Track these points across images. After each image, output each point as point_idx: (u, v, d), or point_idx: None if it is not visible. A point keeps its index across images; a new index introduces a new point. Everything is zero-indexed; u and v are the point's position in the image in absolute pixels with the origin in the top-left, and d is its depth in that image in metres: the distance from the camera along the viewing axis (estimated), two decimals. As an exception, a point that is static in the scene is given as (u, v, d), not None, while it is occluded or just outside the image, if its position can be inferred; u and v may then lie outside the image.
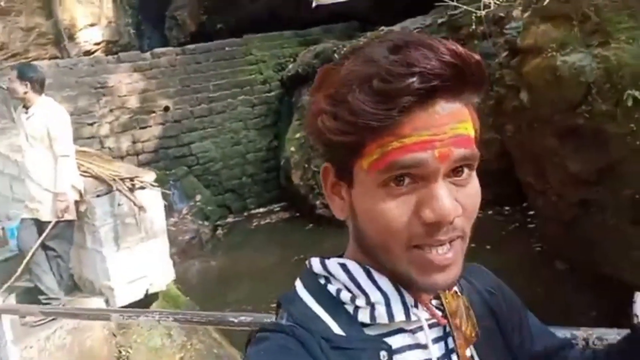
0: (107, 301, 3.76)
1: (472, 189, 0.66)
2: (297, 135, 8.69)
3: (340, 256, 0.75)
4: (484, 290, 0.83)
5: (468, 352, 0.74)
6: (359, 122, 0.62)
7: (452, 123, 0.63)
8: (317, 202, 8.14)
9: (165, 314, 1.90)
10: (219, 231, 8.94)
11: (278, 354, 0.65)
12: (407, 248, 0.65)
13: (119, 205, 3.81)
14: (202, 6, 10.83)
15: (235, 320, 1.65)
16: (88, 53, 10.63)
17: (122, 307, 3.50)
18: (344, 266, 0.71)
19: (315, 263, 0.74)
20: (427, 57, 0.60)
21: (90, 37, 10.72)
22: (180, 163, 9.28)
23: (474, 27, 4.89)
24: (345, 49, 8.23)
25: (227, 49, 9.72)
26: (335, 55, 8.25)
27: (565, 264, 3.12)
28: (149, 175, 4.16)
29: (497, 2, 4.47)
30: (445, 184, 0.63)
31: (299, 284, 0.74)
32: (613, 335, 1.13)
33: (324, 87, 0.67)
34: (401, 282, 0.69)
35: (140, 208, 3.92)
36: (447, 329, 0.73)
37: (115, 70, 9.02)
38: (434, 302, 0.73)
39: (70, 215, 3.69)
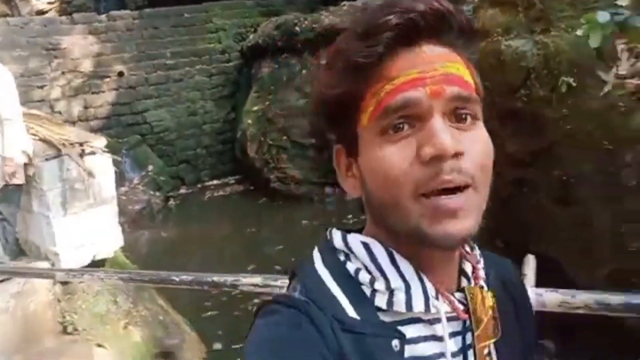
0: (52, 266, 3.72)
1: (479, 135, 0.64)
2: (255, 107, 8.66)
3: (360, 231, 0.72)
4: (508, 281, 0.79)
5: (486, 350, 0.70)
6: (348, 62, 0.63)
7: (442, 62, 0.62)
8: (272, 176, 8.18)
9: (110, 273, 1.93)
10: (171, 202, 8.88)
11: (287, 330, 0.62)
12: (415, 198, 0.62)
13: (67, 170, 3.75)
14: (162, -30, 10.52)
15: (177, 279, 1.69)
16: (40, 12, 10.22)
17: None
18: (366, 245, 0.68)
19: (337, 237, 0.70)
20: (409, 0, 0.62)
21: (44, -5, 10.32)
22: (134, 131, 9.10)
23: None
24: (306, 21, 8.22)
25: (186, 15, 9.52)
26: (297, 28, 8.22)
27: (503, 242, 3.28)
28: (100, 141, 4.10)
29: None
30: (444, 122, 0.61)
31: (317, 257, 0.70)
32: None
33: (324, 60, 0.69)
34: (421, 253, 0.66)
35: (89, 174, 3.88)
36: (467, 323, 0.69)
37: (69, 31, 8.71)
38: (457, 294, 0.70)
39: (19, 180, 3.62)
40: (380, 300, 0.65)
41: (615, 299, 1.24)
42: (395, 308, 0.65)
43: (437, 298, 0.66)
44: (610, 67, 2.58)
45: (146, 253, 7.47)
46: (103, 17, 9.11)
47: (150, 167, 8.83)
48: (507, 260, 0.83)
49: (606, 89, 2.56)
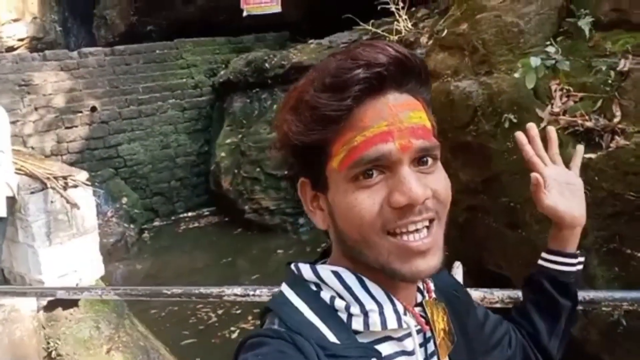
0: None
1: (440, 176, 0.70)
2: (228, 140, 8.89)
3: (315, 262, 0.77)
4: (449, 293, 0.85)
5: (446, 358, 0.77)
6: (318, 114, 0.66)
7: (406, 111, 0.67)
8: (246, 207, 8.37)
9: (107, 289, 2.15)
10: (146, 234, 8.96)
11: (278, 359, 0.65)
12: (382, 235, 0.67)
13: (51, 202, 3.94)
14: (133, 7, 10.79)
15: (169, 292, 1.92)
16: (11, 49, 10.34)
17: (51, 300, 3.64)
18: (337, 274, 0.72)
19: (306, 269, 0.74)
20: (371, 52, 0.67)
21: (14, 32, 10.44)
22: (107, 165, 9.23)
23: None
24: (276, 58, 8.57)
25: (158, 51, 9.77)
26: (267, 65, 8.56)
27: (462, 263, 3.60)
28: (82, 175, 4.30)
29: (407, 29, 4.99)
30: (411, 170, 0.67)
31: (288, 290, 0.74)
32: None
33: (286, 104, 0.73)
34: (389, 282, 0.71)
35: (73, 205, 4.06)
36: (427, 335, 0.76)
37: (40, 68, 8.86)
38: (417, 309, 0.76)
39: (1, 212, 3.80)
40: (357, 324, 0.70)
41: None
42: (371, 329, 0.70)
43: (405, 314, 0.73)
44: (546, 105, 2.95)
45: (122, 285, 7.53)
46: (74, 53, 9.30)
47: (124, 200, 8.93)
48: (444, 271, 0.89)
49: (542, 124, 2.91)
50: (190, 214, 9.73)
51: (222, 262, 7.66)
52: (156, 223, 9.47)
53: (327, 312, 0.71)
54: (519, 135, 1.01)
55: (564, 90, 2.90)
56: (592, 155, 2.69)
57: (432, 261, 0.68)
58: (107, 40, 11.16)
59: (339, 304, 0.71)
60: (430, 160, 0.69)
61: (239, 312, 5.71)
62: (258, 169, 8.35)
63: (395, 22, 5.45)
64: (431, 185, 0.68)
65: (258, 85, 8.73)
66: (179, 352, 4.80)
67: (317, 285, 0.73)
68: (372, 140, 0.66)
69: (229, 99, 9.16)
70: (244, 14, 9.10)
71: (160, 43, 9.87)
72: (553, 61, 2.84)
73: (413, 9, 6.12)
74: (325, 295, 0.72)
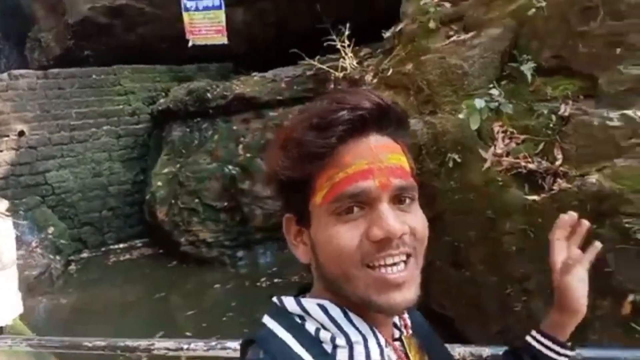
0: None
1: (418, 215, 0.74)
2: (166, 170, 8.61)
3: (299, 294, 0.80)
4: (422, 330, 0.88)
5: None
6: (304, 151, 0.71)
7: (385, 153, 0.72)
8: (182, 239, 8.07)
9: (17, 340, 1.91)
10: (72, 267, 8.45)
11: None
12: (361, 268, 0.70)
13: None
14: (70, 31, 10.41)
15: (90, 344, 1.72)
16: None
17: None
18: (322, 306, 0.74)
19: (290, 302, 0.76)
20: (355, 97, 0.73)
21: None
22: (33, 192, 8.69)
23: (332, 85, 5.41)
24: (218, 88, 8.44)
25: (94, 76, 9.42)
26: (209, 95, 8.41)
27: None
28: (1, 204, 3.97)
29: (353, 67, 5.03)
30: (390, 207, 0.71)
31: (271, 322, 0.76)
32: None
33: (276, 142, 0.77)
34: (367, 312, 0.74)
35: (-12, 239, 3.73)
36: None
37: (-36, 89, 8.33)
38: (396, 343, 0.79)
39: None
40: (342, 355, 0.73)
41: (486, 350, 1.47)
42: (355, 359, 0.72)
43: (386, 347, 0.76)
44: (489, 146, 2.98)
45: (45, 321, 7.00)
46: (4, 75, 8.82)
47: (50, 230, 8.41)
48: (416, 312, 0.91)
49: (486, 165, 2.93)
50: (121, 245, 9.28)
51: (155, 296, 7.30)
52: (84, 254, 8.97)
53: (312, 343, 0.73)
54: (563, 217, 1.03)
55: (507, 132, 2.95)
56: (536, 197, 2.73)
57: (408, 294, 0.71)
58: (40, 63, 10.69)
59: (324, 335, 0.73)
60: (408, 200, 0.73)
61: None
62: (196, 200, 8.09)
63: (341, 59, 5.49)
64: (409, 223, 0.72)
65: (199, 114, 8.55)
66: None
67: (301, 317, 0.75)
68: (353, 177, 0.70)
69: (167, 128, 8.91)
70: (190, 44, 8.96)
71: (98, 68, 9.54)
72: (497, 104, 2.89)
73: (357, 47, 6.21)
74: (310, 327, 0.74)
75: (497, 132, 2.97)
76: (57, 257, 8.17)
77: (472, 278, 3.06)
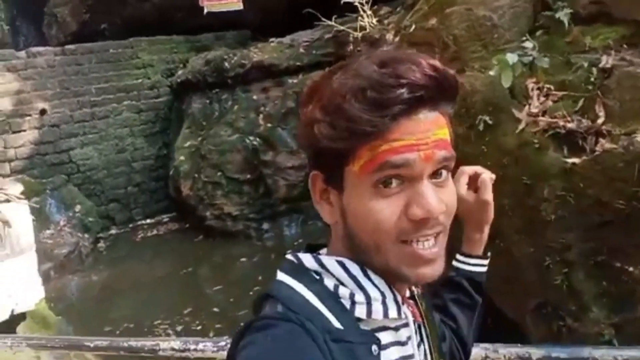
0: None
1: (451, 189, 0.75)
2: (188, 143, 8.50)
3: (314, 250, 0.80)
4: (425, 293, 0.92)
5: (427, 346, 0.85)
6: (356, 128, 0.68)
7: (434, 129, 0.71)
8: (207, 213, 8.00)
9: (17, 340, 1.80)
10: (101, 244, 8.49)
11: (287, 341, 0.67)
12: (395, 243, 0.71)
13: (-23, 221, 3.53)
14: (85, 4, 10.26)
15: (91, 345, 1.60)
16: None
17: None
18: (341, 263, 0.76)
19: (307, 259, 0.77)
20: (413, 70, 0.68)
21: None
22: (58, 171, 8.70)
23: (351, 47, 5.14)
24: (236, 57, 8.21)
25: (111, 51, 9.29)
26: (226, 64, 8.19)
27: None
28: (15, 187, 3.89)
29: (372, 25, 4.75)
30: (430, 184, 0.71)
31: (287, 278, 0.76)
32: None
33: (315, 99, 0.73)
34: (391, 278, 0.76)
35: (5, 223, 3.66)
36: (416, 326, 0.82)
37: (-16, 68, 8.29)
38: (410, 301, 0.82)
39: None
40: (360, 311, 0.74)
41: (536, 352, 1.28)
42: (374, 316, 0.74)
43: (403, 305, 0.78)
44: (523, 105, 2.71)
45: (76, 300, 7.08)
46: (22, 53, 8.75)
47: (77, 208, 8.44)
48: None
49: (520, 126, 2.68)
50: (148, 221, 9.28)
51: (182, 271, 7.30)
52: (112, 231, 9.00)
53: (331, 299, 0.73)
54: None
55: (543, 89, 2.68)
56: (576, 160, 2.47)
57: (438, 268, 0.74)
58: (58, 40, 10.61)
59: (343, 291, 0.74)
60: (444, 173, 0.73)
61: None
62: (219, 173, 7.98)
63: (359, 19, 5.20)
64: (444, 199, 0.72)
65: (218, 85, 8.36)
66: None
67: (318, 273, 0.76)
68: (398, 149, 0.69)
69: (187, 100, 8.76)
70: (205, 11, 8.70)
71: (114, 42, 9.39)
72: (530, 58, 2.61)
73: (375, 6, 5.90)
74: (329, 283, 0.75)
75: (532, 89, 2.70)
76: (86, 235, 8.21)
77: (507, 249, 2.84)
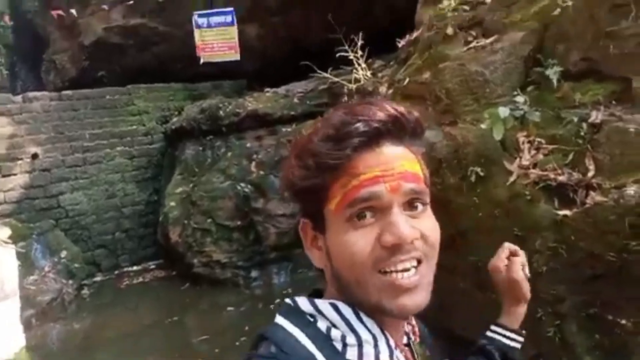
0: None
1: (429, 220, 0.78)
2: (179, 189, 8.48)
3: (314, 297, 0.81)
4: (427, 340, 0.94)
5: None
6: (321, 162, 0.74)
7: (399, 162, 0.75)
8: (195, 260, 7.89)
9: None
10: (85, 291, 8.30)
11: None
12: (373, 273, 0.73)
13: (-39, 263, 3.46)
14: (85, 52, 10.44)
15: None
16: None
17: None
18: (334, 305, 0.77)
19: (303, 302, 0.79)
20: (370, 109, 0.75)
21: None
22: (47, 215, 8.61)
23: (346, 99, 5.26)
24: (231, 106, 8.33)
25: (108, 97, 9.37)
26: (221, 112, 8.30)
27: (428, 327, 3.25)
28: (3, 232, 3.83)
29: (366, 78, 4.88)
30: (401, 213, 0.74)
31: (283, 320, 0.78)
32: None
33: (292, 152, 0.80)
34: (378, 317, 0.77)
35: (-10, 266, 3.58)
36: None
37: (-21, 112, 8.32)
38: (405, 348, 0.84)
39: None
40: (351, 354, 0.75)
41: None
42: (364, 359, 0.75)
43: (396, 349, 0.79)
44: (514, 157, 2.75)
45: (57, 349, 6.85)
46: (18, 98, 8.82)
47: (64, 254, 8.28)
48: (421, 323, 0.94)
49: (511, 178, 2.71)
50: (135, 267, 9.13)
51: (168, 320, 7.12)
52: (97, 278, 8.83)
53: (323, 341, 0.74)
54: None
55: (534, 143, 2.72)
56: (567, 212, 2.49)
57: (419, 298, 0.74)
58: (56, 85, 10.74)
59: (335, 333, 0.75)
60: (420, 206, 0.76)
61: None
62: (209, 220, 7.93)
63: (354, 71, 5.35)
64: (420, 228, 0.74)
65: (212, 132, 8.44)
66: None
67: (312, 316, 0.77)
68: (365, 183, 0.73)
69: (181, 147, 8.81)
70: (201, 61, 8.89)
71: (112, 88, 9.50)
72: (522, 112, 2.67)
73: (369, 60, 6.06)
74: (322, 325, 0.76)
75: (523, 143, 2.74)
76: (70, 282, 8.02)
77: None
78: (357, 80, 5.15)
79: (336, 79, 6.04)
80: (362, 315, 0.77)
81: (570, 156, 2.62)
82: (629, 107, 2.54)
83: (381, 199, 0.73)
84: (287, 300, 0.81)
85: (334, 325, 0.76)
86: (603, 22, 2.60)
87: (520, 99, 2.67)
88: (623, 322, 2.29)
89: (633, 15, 2.54)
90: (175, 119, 9.12)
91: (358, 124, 0.74)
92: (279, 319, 0.78)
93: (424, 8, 3.92)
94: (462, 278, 2.90)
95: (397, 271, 0.73)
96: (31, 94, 9.04)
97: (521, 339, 1.16)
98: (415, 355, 0.85)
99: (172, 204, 8.34)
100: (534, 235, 2.68)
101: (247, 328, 6.13)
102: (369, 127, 0.74)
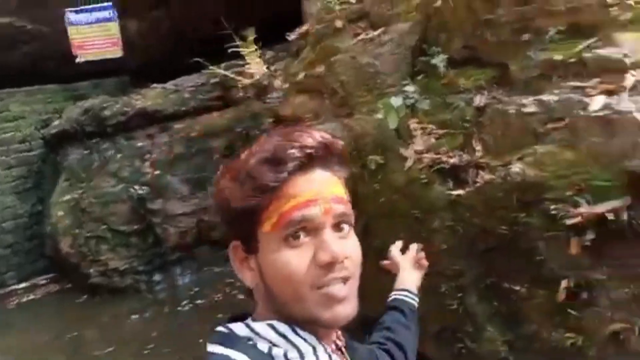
0: None
1: (354, 241, 0.85)
2: (66, 197, 7.92)
3: (237, 320, 0.85)
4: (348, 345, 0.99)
5: None
6: (259, 184, 0.79)
7: (330, 187, 0.82)
8: (91, 270, 7.45)
9: None
10: (-33, 314, 7.58)
11: None
12: (310, 289, 0.78)
13: None
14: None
15: None
16: None
17: None
18: (271, 326, 0.81)
19: (238, 327, 0.82)
20: (304, 136, 0.81)
21: None
22: None
23: (241, 94, 5.21)
24: (117, 105, 7.90)
25: (-23, 104, 8.53)
26: (106, 112, 7.85)
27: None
28: None
29: (260, 73, 4.85)
30: (333, 233, 0.80)
31: (222, 349, 0.79)
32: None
33: (227, 173, 0.84)
34: (315, 329, 0.82)
35: None
36: None
37: None
38: (338, 353, 0.90)
39: None
40: None
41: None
42: None
43: (332, 354, 0.85)
44: (409, 144, 2.89)
45: None
46: None
47: (-63, 277, 7.50)
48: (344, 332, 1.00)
49: (407, 164, 2.84)
50: (24, 284, 8.45)
51: (67, 336, 6.68)
52: (-20, 299, 8.08)
53: None
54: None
55: (425, 129, 2.87)
56: (461, 192, 2.66)
57: (350, 308, 0.80)
58: None
59: (277, 351, 0.78)
60: (346, 227, 0.83)
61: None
62: (103, 226, 7.52)
63: (247, 66, 5.29)
64: (348, 250, 0.81)
65: (97, 134, 7.95)
66: None
67: (250, 339, 0.80)
68: (300, 205, 0.78)
69: (63, 152, 8.22)
70: (78, 59, 8.33)
71: (-19, 94, 8.63)
72: (412, 100, 2.81)
73: (260, 50, 6.02)
74: (262, 346, 0.79)
75: (415, 129, 2.89)
76: (-52, 306, 7.29)
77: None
78: (251, 75, 5.11)
79: (227, 73, 5.94)
80: (297, 329, 0.82)
81: (460, 139, 2.80)
82: (507, 90, 2.76)
83: (315, 220, 0.79)
84: (220, 328, 0.84)
85: (274, 344, 0.80)
86: (480, 11, 2.79)
87: (410, 87, 2.81)
88: (517, 288, 2.50)
89: (506, 4, 2.75)
90: (55, 123, 8.47)
91: (293, 150, 0.79)
92: (214, 347, 0.80)
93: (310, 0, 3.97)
94: (370, 264, 3.00)
95: (330, 285, 0.79)
96: None
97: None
98: (347, 358, 0.91)
99: (60, 213, 7.79)
100: (432, 216, 2.84)
101: (154, 334, 5.94)
102: (302, 153, 0.79)
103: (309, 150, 0.80)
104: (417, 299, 1.41)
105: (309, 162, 0.81)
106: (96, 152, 8.03)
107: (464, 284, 2.78)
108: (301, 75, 3.21)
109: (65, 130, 8.09)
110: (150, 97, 7.93)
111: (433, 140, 2.90)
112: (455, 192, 2.75)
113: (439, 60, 2.80)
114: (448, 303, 2.86)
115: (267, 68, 5.08)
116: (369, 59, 2.99)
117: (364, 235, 3.10)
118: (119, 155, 7.85)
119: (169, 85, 8.05)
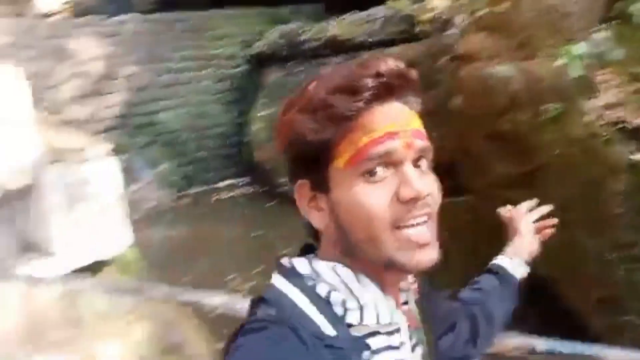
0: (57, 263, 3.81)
1: (432, 177, 0.78)
2: (263, 112, 8.75)
3: (302, 254, 0.82)
4: (427, 293, 0.94)
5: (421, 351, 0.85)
6: (335, 113, 0.73)
7: (409, 119, 0.76)
8: (282, 180, 8.24)
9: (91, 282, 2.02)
10: (181, 202, 8.97)
11: (277, 343, 0.69)
12: (390, 230, 0.72)
13: (71, 174, 3.87)
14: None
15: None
16: (49, 15, 10.38)
17: (75, 270, 3.62)
18: (334, 268, 0.76)
19: (301, 264, 0.79)
20: (378, 62, 0.75)
21: (55, -2, 10.47)
22: (144, 132, 9.24)
23: (425, 28, 5.12)
24: (311, 31, 8.31)
25: (191, 22, 9.64)
26: (302, 37, 8.32)
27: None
28: (104, 146, 4.25)
29: (443, 7, 4.69)
30: (413, 168, 0.74)
31: (282, 282, 0.77)
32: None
33: (293, 108, 0.78)
34: (386, 275, 0.77)
35: (92, 178, 3.98)
36: (411, 330, 0.83)
37: (77, 34, 8.83)
38: (404, 307, 0.83)
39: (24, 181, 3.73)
40: (352, 317, 0.75)
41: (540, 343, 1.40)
42: (365, 322, 0.75)
43: (395, 309, 0.79)
44: (590, 97, 2.69)
45: (158, 249, 7.47)
46: (111, 20, 9.23)
47: (161, 167, 8.97)
48: (424, 279, 0.94)
49: (588, 118, 2.66)
50: (225, 183, 9.65)
51: (252, 235, 7.59)
52: (192, 191, 9.43)
53: (323, 304, 0.74)
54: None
55: (613, 82, 2.64)
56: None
57: (433, 253, 0.75)
58: (144, 7, 11.06)
59: (336, 297, 0.75)
60: (423, 162, 0.77)
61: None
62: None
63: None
64: (429, 185, 0.75)
65: (293, 58, 8.51)
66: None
67: (311, 279, 0.77)
68: (379, 139, 0.73)
69: (263, 72, 8.99)
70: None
71: (196, 13, 9.71)
72: (602, 49, 2.57)
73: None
74: (322, 288, 0.75)
75: (601, 82, 2.66)
76: (168, 193, 8.71)
77: (571, 240, 2.81)
78: (431, 9, 4.95)
79: (413, 6, 5.80)
80: (361, 277, 0.77)
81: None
82: None
83: (395, 154, 0.73)
84: (283, 261, 0.81)
85: (335, 289, 0.76)
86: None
87: (600, 35, 2.57)
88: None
89: None
90: (257, 44, 9.24)
91: (368, 78, 0.74)
92: (277, 281, 0.78)
93: None
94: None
95: (412, 226, 0.73)
96: (123, 17, 9.42)
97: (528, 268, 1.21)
98: (415, 312, 0.85)
99: (258, 126, 8.63)
100: (610, 177, 2.65)
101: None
102: (379, 82, 0.74)
103: (385, 79, 0.74)
104: (526, 273, 1.19)
105: (385, 91, 0.75)
106: (291, 75, 8.63)
107: (635, 254, 2.59)
108: (484, 11, 3.10)
109: (264, 51, 8.78)
110: (342, 26, 8.16)
111: (621, 95, 2.66)
112: (636, 157, 2.53)
113: (638, 8, 2.49)
114: (615, 272, 2.69)
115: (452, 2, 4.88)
116: (558, 0, 2.77)
117: (534, 186, 3.00)
118: (310, 79, 8.32)
119: (362, 15, 8.17)
